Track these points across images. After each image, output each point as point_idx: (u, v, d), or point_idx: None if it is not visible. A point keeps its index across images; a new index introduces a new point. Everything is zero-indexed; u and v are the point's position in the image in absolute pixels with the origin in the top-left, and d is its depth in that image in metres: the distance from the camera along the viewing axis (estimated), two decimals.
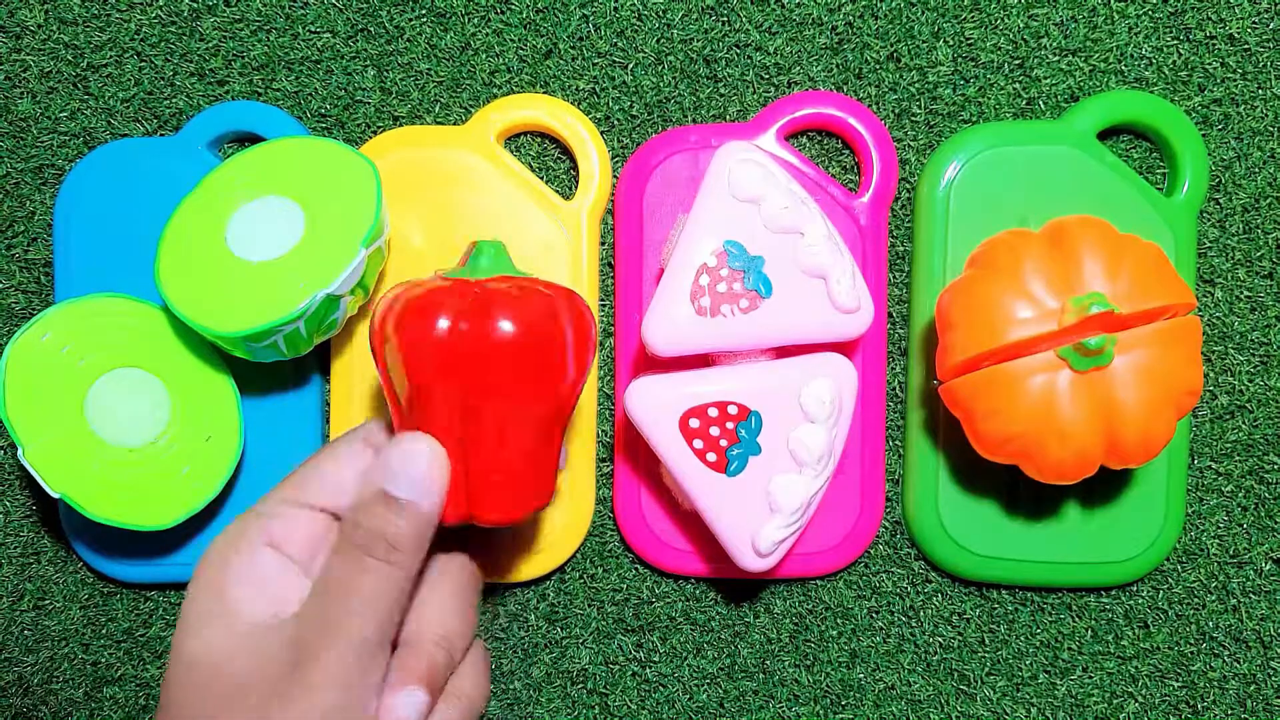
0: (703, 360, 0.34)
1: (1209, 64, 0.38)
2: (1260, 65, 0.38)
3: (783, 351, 0.34)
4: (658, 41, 0.39)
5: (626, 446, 0.39)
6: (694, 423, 0.32)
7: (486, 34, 0.39)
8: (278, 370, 0.38)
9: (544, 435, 0.30)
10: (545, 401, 0.29)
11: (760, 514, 0.33)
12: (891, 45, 0.39)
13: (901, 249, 0.39)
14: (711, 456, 0.33)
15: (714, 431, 0.33)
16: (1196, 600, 0.40)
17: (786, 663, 0.40)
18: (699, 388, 0.33)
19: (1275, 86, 0.38)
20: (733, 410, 0.32)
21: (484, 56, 0.39)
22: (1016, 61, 0.39)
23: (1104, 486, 0.38)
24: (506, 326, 0.28)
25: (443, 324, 0.28)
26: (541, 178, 0.39)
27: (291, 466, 0.31)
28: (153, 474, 0.35)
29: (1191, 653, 0.40)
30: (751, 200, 0.32)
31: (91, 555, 0.40)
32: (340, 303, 0.34)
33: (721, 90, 0.39)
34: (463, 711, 0.30)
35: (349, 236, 0.33)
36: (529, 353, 0.28)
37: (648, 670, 0.40)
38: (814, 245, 0.32)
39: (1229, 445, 0.39)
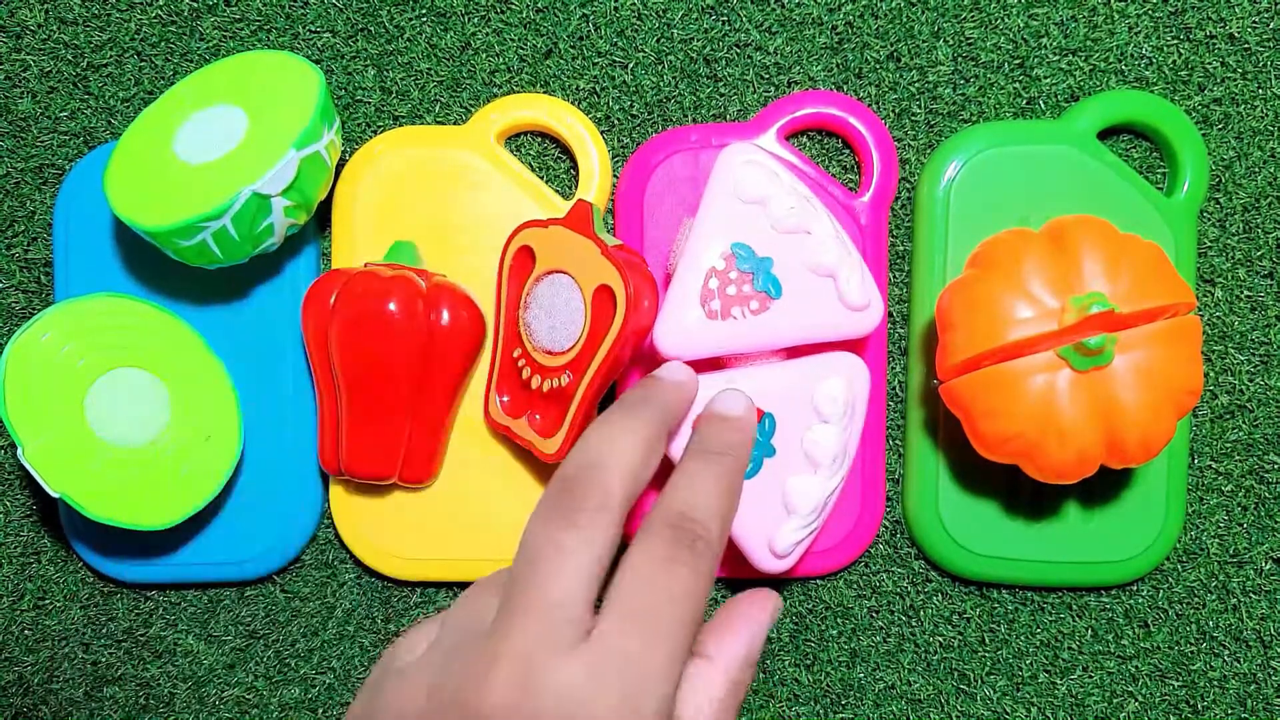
0: (713, 364, 0.34)
1: (1209, 64, 0.38)
2: (1260, 65, 0.38)
3: (794, 352, 0.34)
4: (658, 41, 0.39)
5: None
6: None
7: (486, 34, 0.39)
8: (277, 370, 0.38)
9: (409, 409, 0.36)
10: (410, 380, 0.35)
11: (777, 516, 0.33)
12: (891, 45, 0.39)
13: (901, 249, 0.39)
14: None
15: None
16: (1196, 600, 0.40)
17: (786, 663, 0.40)
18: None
19: (1275, 86, 0.38)
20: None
21: (484, 56, 0.39)
22: (1016, 61, 0.39)
23: (1104, 486, 0.38)
24: (391, 307, 0.34)
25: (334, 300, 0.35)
26: (541, 178, 0.39)
27: (290, 467, 0.30)
28: (152, 474, 0.35)
29: (1191, 653, 0.40)
30: (757, 201, 0.32)
31: (91, 555, 0.40)
32: (271, 205, 0.33)
33: (721, 90, 0.39)
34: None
35: (284, 139, 0.33)
36: (400, 333, 0.35)
37: None
38: (822, 244, 0.32)
39: (1229, 445, 0.39)
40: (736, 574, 0.39)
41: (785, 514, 0.33)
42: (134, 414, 0.35)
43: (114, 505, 0.35)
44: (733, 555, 0.35)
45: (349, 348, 0.35)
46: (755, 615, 0.28)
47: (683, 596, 0.24)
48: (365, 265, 0.36)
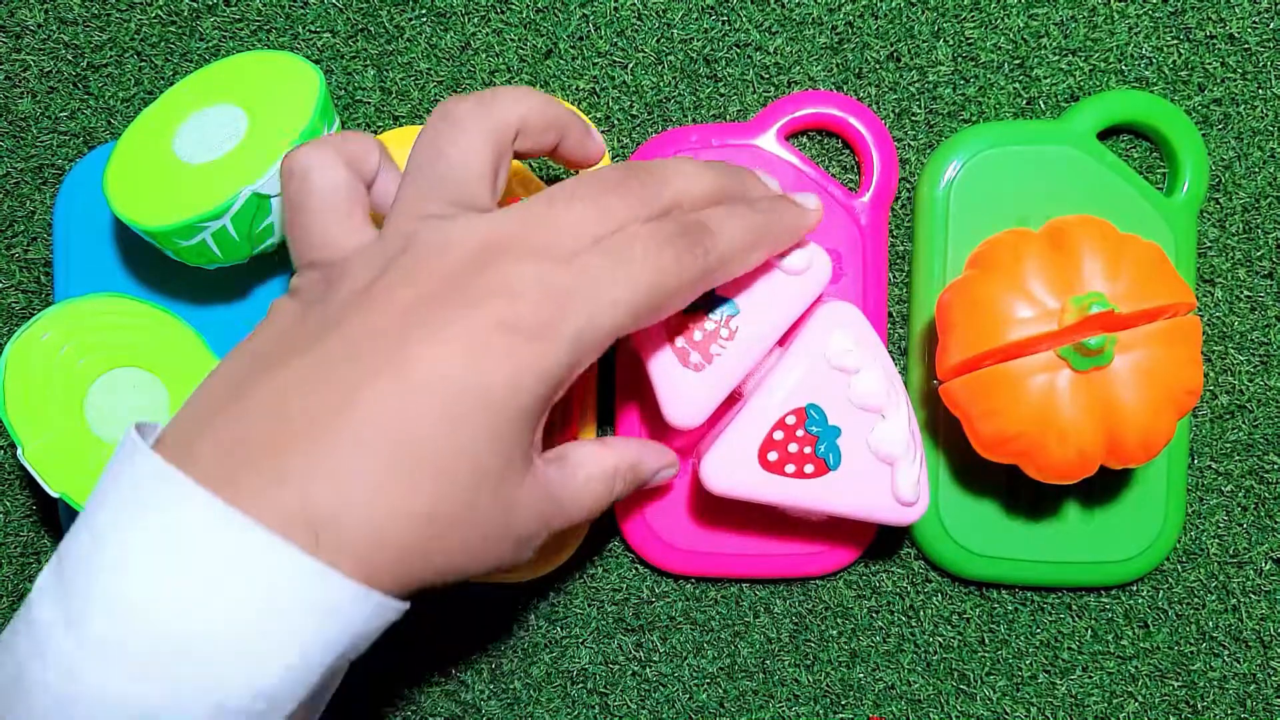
0: (729, 403, 0.34)
1: (1209, 64, 0.39)
2: (1260, 65, 0.38)
3: (783, 338, 0.34)
4: (658, 41, 0.39)
5: None
6: (772, 455, 0.32)
7: (486, 34, 0.39)
8: None
9: None
10: None
11: (883, 475, 0.33)
12: (891, 45, 0.39)
13: (901, 249, 0.39)
14: (810, 468, 0.32)
15: (793, 449, 0.32)
16: (1196, 600, 0.40)
17: (786, 663, 0.40)
18: (754, 426, 0.32)
19: (1275, 86, 0.38)
20: (791, 420, 0.32)
21: (484, 56, 0.39)
22: (1016, 61, 0.39)
23: (1104, 486, 0.38)
24: None
25: None
26: (542, 178, 0.39)
27: None
28: None
29: (1191, 653, 0.40)
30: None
31: None
32: (271, 205, 0.33)
33: (721, 90, 0.39)
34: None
35: (284, 138, 0.33)
36: None
37: (648, 670, 0.40)
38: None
39: (1229, 445, 0.39)
40: (720, 574, 0.39)
41: (889, 467, 0.33)
42: (134, 414, 0.35)
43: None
44: (717, 553, 0.35)
45: None
46: (658, 449, 0.32)
47: (664, 267, 0.27)
48: None
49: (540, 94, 0.29)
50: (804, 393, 0.32)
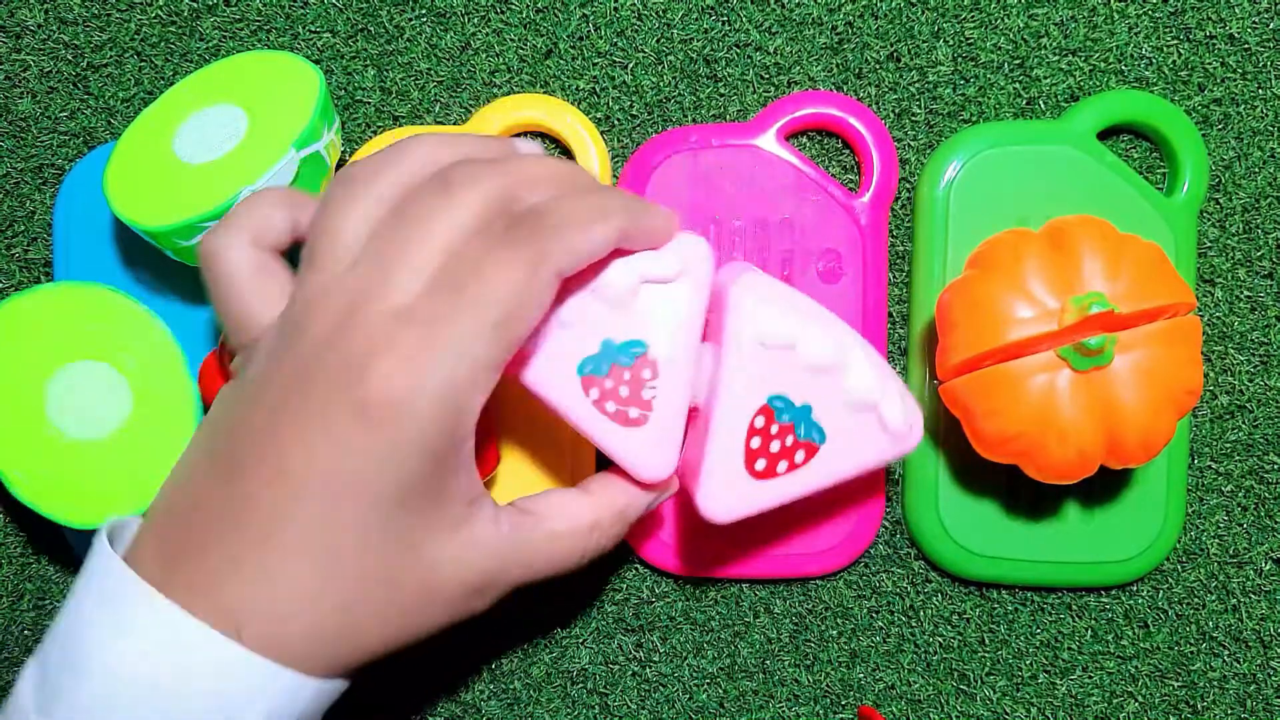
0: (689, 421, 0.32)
1: (1209, 64, 0.39)
2: (1260, 65, 0.38)
3: (707, 333, 0.31)
4: (658, 41, 0.39)
5: None
6: (760, 464, 0.30)
7: (486, 34, 0.39)
8: None
9: None
10: None
11: (870, 420, 0.31)
12: (891, 45, 0.39)
13: (901, 249, 0.39)
14: (800, 455, 0.31)
15: (775, 447, 0.30)
16: (1196, 600, 0.40)
17: (786, 663, 0.40)
18: (728, 444, 0.30)
19: (1275, 86, 0.38)
20: (760, 422, 0.30)
21: (484, 56, 0.39)
22: (1016, 61, 0.39)
23: (1104, 486, 0.38)
24: None
25: None
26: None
27: None
28: (103, 470, 0.35)
29: (1191, 653, 0.40)
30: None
31: None
32: None
33: (721, 90, 0.39)
34: None
35: (284, 139, 0.33)
36: None
37: (648, 670, 0.40)
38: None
39: (1229, 445, 0.39)
40: (720, 574, 0.39)
41: (872, 408, 0.31)
42: (92, 409, 0.35)
43: (55, 499, 0.35)
44: (717, 553, 0.34)
45: None
46: (641, 485, 0.30)
47: (491, 278, 0.25)
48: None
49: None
50: (758, 390, 0.30)
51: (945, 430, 0.38)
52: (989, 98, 0.39)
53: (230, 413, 0.26)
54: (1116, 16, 0.38)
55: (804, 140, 0.39)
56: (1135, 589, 0.40)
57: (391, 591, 0.25)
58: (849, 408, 0.30)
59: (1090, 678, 0.40)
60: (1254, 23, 0.38)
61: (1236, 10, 0.38)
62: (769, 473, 0.30)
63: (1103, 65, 0.39)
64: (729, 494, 0.30)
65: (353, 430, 0.24)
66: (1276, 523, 0.39)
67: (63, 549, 0.41)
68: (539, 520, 0.28)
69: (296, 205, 0.28)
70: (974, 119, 0.39)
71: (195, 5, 0.39)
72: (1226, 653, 0.40)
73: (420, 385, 0.24)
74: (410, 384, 0.24)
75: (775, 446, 0.30)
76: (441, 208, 0.26)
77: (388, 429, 0.24)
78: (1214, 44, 0.38)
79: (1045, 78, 0.39)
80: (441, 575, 0.26)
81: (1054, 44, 0.38)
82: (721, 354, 0.30)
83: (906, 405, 0.31)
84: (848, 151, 0.39)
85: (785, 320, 0.30)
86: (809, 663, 0.40)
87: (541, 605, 0.40)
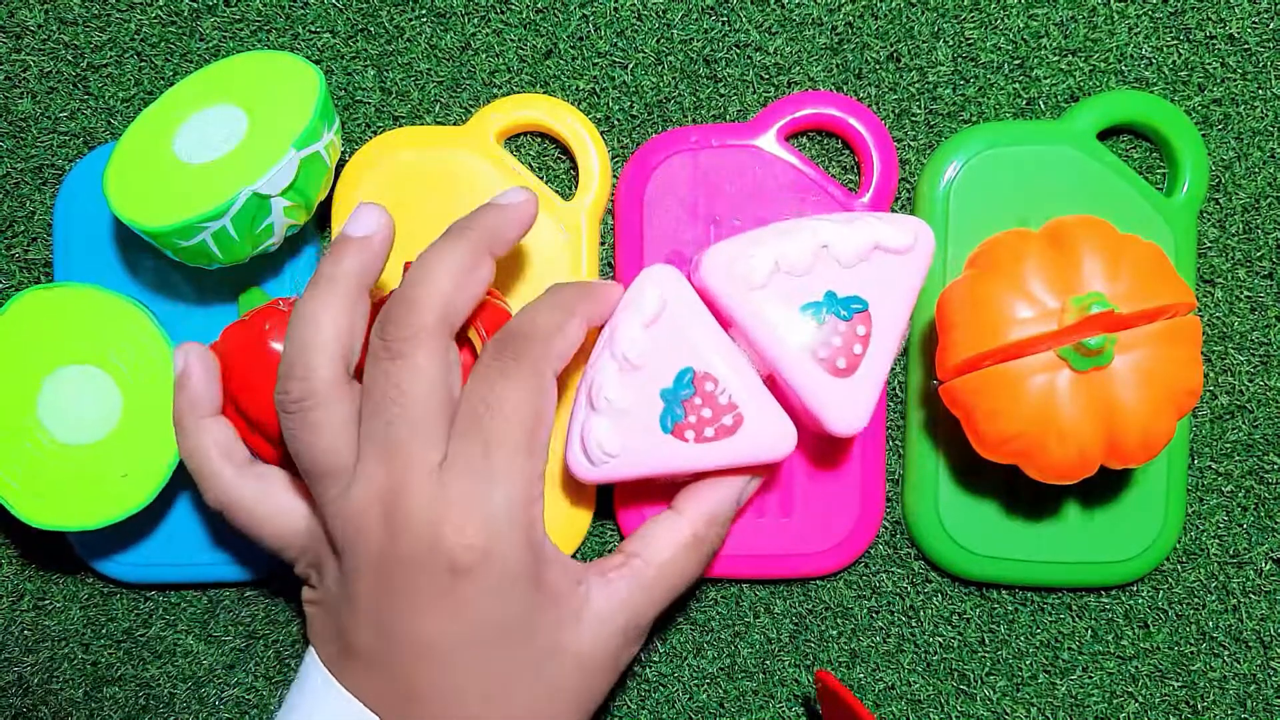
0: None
1: (1209, 64, 0.39)
2: (1260, 65, 0.38)
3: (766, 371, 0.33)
4: (658, 41, 0.39)
5: None
6: (708, 432, 0.31)
7: (486, 34, 0.39)
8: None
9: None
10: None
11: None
12: (891, 45, 0.39)
13: None
14: (728, 419, 0.32)
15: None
16: (1196, 600, 0.40)
17: (786, 663, 0.40)
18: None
19: (1275, 86, 0.38)
20: (708, 413, 0.32)
21: (484, 56, 0.39)
22: (1016, 61, 0.39)
23: (1104, 486, 0.38)
24: (275, 346, 0.33)
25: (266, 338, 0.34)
26: (541, 178, 0.39)
27: (288, 466, 0.31)
28: (88, 474, 0.35)
29: (1191, 653, 0.40)
30: (769, 280, 0.32)
31: (91, 555, 0.40)
32: (271, 205, 0.33)
33: (721, 90, 0.39)
34: None
35: (284, 139, 0.33)
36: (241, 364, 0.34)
37: (648, 670, 0.40)
38: (845, 245, 0.32)
39: (1229, 445, 0.39)
40: (720, 573, 0.39)
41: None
42: (82, 412, 0.35)
43: (40, 505, 0.35)
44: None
45: (253, 401, 0.34)
46: (726, 482, 0.33)
47: (502, 401, 0.28)
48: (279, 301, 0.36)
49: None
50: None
51: (945, 430, 0.38)
52: (989, 98, 0.39)
53: (341, 635, 0.30)
54: (1116, 17, 0.38)
55: (804, 140, 0.39)
56: (1135, 589, 0.40)
57: (554, 693, 0.28)
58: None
59: (1090, 678, 0.40)
60: (1254, 23, 0.38)
61: (1236, 10, 0.38)
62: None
63: (1103, 65, 0.39)
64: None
65: (459, 588, 0.27)
66: (1276, 523, 0.39)
67: (63, 549, 0.41)
68: (646, 561, 0.30)
69: (213, 394, 0.33)
70: (974, 119, 0.39)
71: (195, 5, 0.39)
72: (1226, 653, 0.40)
73: (489, 523, 0.27)
74: (480, 527, 0.27)
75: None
76: (403, 370, 0.28)
77: (479, 575, 0.27)
78: (1214, 44, 0.38)
79: (1045, 78, 0.39)
80: (589, 656, 0.29)
81: (1054, 44, 0.38)
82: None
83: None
84: (848, 152, 0.39)
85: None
86: (809, 663, 0.40)
87: None
